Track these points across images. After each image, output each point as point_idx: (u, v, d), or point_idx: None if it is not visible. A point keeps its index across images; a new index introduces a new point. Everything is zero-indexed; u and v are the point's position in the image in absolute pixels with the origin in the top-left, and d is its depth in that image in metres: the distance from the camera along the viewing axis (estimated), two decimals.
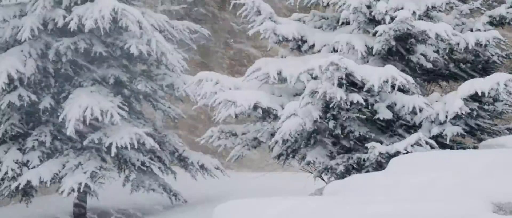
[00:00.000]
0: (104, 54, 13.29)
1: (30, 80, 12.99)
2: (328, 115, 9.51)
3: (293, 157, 10.44)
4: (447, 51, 10.61)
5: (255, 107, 10.03)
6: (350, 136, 9.63)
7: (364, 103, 9.29)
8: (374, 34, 10.06)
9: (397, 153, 8.89)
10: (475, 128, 10.06)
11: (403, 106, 9.47)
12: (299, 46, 11.00)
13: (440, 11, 10.78)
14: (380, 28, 9.89)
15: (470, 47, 10.31)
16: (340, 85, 9.16)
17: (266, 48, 11.77)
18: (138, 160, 13.39)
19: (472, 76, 10.52)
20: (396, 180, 7.16)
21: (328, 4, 10.96)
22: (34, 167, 12.87)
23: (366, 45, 10.16)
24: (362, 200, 6.64)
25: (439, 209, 6.00)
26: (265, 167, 15.00)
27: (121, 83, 13.66)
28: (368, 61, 10.33)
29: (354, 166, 9.50)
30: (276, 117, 10.10)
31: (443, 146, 9.56)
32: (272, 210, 6.68)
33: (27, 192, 13.25)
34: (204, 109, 12.21)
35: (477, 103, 9.56)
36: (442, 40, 9.96)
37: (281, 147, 10.14)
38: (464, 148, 9.86)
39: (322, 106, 9.44)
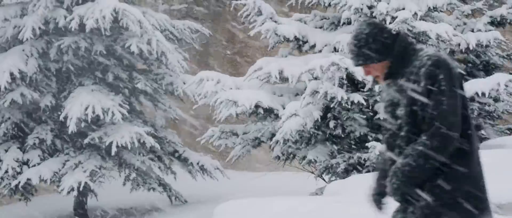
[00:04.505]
0: (105, 54, 13.30)
1: (31, 79, 13.00)
2: (329, 115, 9.52)
3: (294, 156, 10.45)
4: (448, 51, 10.62)
5: (257, 107, 10.04)
6: (350, 136, 9.65)
7: (365, 103, 9.30)
8: None
9: None
10: (476, 128, 10.07)
11: None
12: (300, 46, 11.01)
13: (441, 11, 10.80)
14: None
15: (471, 48, 10.33)
16: (341, 85, 9.17)
17: (266, 48, 11.77)
18: (138, 160, 13.40)
19: (473, 77, 10.54)
20: None
21: (329, 5, 10.97)
22: (34, 166, 12.88)
23: None
24: (362, 200, 6.64)
25: None
26: (265, 166, 15.01)
27: (122, 83, 13.67)
28: None
29: (355, 165, 9.52)
30: (277, 117, 10.11)
31: None
32: (273, 209, 6.69)
33: (26, 190, 13.25)
34: (205, 108, 12.22)
35: (477, 104, 9.57)
36: (443, 40, 9.97)
37: (282, 146, 10.14)
38: None
39: (323, 106, 9.45)
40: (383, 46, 3.60)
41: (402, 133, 3.55)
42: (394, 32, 3.67)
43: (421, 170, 3.44)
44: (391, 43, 3.61)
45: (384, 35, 3.62)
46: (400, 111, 3.56)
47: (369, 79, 3.10)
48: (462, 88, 3.53)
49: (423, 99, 3.46)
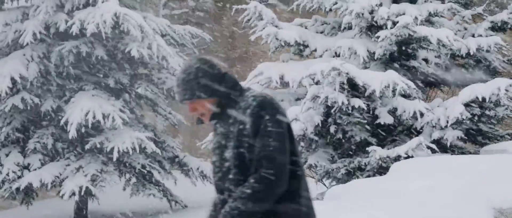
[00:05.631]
0: (105, 58, 13.30)
1: (32, 84, 12.98)
2: (330, 120, 9.52)
3: None
4: (448, 56, 10.63)
5: None
6: (351, 141, 9.64)
7: (365, 108, 9.30)
8: (376, 39, 10.08)
9: (398, 157, 8.90)
10: (476, 133, 10.07)
11: (404, 111, 9.48)
12: (301, 51, 11.02)
13: (442, 16, 10.80)
14: (382, 34, 9.90)
15: (472, 53, 10.33)
16: (341, 90, 9.17)
17: (267, 53, 11.78)
18: (138, 164, 13.39)
19: (473, 82, 10.53)
20: (397, 185, 7.17)
21: (330, 10, 10.98)
22: (35, 170, 12.87)
23: (368, 50, 10.18)
24: (363, 205, 6.64)
25: (440, 215, 6.01)
26: None
27: (123, 87, 13.67)
28: (369, 66, 10.35)
29: (355, 170, 9.52)
30: None
31: (444, 150, 9.57)
32: None
33: (27, 194, 13.24)
34: None
35: (478, 109, 9.56)
36: (443, 45, 9.97)
37: None
38: (465, 153, 9.87)
39: (323, 111, 9.45)
40: (212, 82, 3.50)
41: (231, 176, 3.47)
42: (223, 71, 3.58)
43: (250, 214, 3.35)
44: (220, 81, 3.52)
45: (215, 71, 3.53)
46: (228, 153, 3.48)
47: (193, 117, 3.04)
48: (289, 128, 3.47)
49: (250, 141, 3.39)
